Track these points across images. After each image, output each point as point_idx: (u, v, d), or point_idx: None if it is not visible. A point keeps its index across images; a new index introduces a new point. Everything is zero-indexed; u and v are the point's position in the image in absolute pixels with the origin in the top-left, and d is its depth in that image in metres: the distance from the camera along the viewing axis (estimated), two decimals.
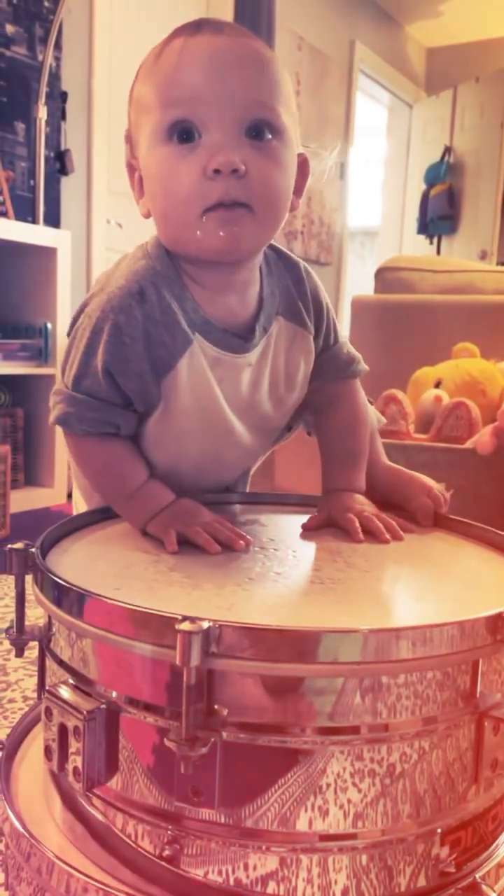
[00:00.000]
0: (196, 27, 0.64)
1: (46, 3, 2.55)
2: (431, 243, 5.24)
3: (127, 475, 0.72)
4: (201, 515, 0.69)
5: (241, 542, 0.66)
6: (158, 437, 0.74)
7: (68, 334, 0.74)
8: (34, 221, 2.36)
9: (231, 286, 0.72)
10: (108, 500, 0.75)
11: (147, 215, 0.72)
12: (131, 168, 0.73)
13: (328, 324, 0.82)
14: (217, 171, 0.61)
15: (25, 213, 2.39)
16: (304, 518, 0.77)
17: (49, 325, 2.18)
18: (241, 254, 0.68)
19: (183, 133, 0.63)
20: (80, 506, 0.88)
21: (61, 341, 2.22)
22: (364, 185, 5.69)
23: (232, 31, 0.65)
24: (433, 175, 5.17)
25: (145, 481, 0.72)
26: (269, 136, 0.64)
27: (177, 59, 0.63)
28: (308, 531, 0.74)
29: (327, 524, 0.75)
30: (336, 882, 0.49)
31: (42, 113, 2.34)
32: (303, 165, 0.72)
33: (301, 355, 0.79)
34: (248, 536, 0.67)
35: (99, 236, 2.97)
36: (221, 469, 0.84)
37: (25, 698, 1.03)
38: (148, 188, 0.68)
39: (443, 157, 5.16)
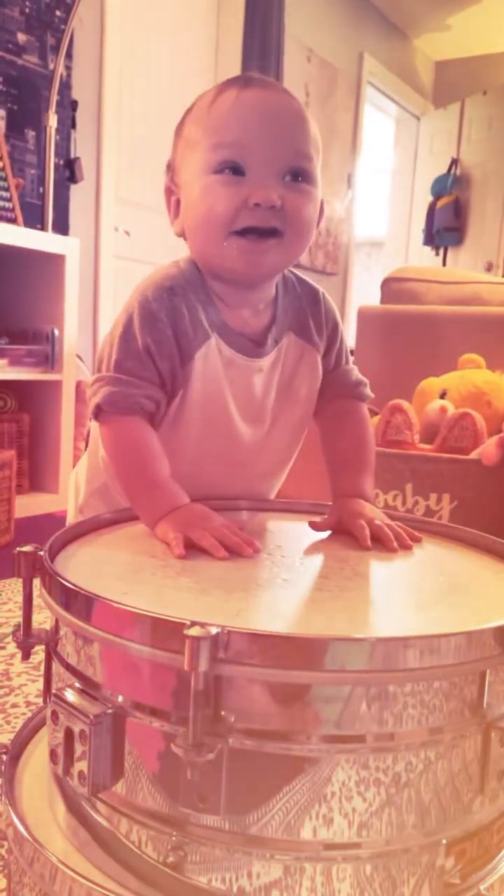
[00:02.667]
0: (246, 82, 0.75)
1: (58, 13, 2.57)
2: (437, 255, 5.26)
3: (151, 464, 0.75)
4: (210, 520, 0.69)
5: (249, 548, 0.66)
6: (177, 424, 0.79)
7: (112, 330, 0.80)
8: (43, 228, 2.37)
9: (247, 301, 0.81)
10: (126, 488, 0.76)
11: (180, 234, 0.82)
12: (170, 192, 0.82)
13: (340, 345, 0.89)
14: (257, 205, 0.72)
15: (34, 220, 2.40)
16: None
17: (56, 332, 2.19)
18: (262, 276, 0.79)
19: (232, 168, 0.73)
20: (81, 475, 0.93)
21: (68, 348, 2.23)
22: (371, 196, 5.71)
23: (277, 88, 0.77)
24: (440, 187, 5.19)
25: (166, 479, 0.74)
26: (301, 180, 0.75)
27: (230, 108, 0.73)
28: (316, 534, 0.75)
29: (336, 528, 0.76)
30: (340, 892, 0.48)
31: (52, 121, 2.36)
32: (321, 208, 0.81)
33: (307, 371, 0.86)
34: (256, 543, 0.68)
35: (107, 244, 2.98)
36: (232, 479, 0.85)
37: (28, 703, 1.03)
38: (187, 209, 0.78)
39: (450, 170, 5.18)
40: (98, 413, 0.76)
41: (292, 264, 0.81)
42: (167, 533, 0.68)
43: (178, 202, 0.81)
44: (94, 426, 0.85)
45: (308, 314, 0.86)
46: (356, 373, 0.91)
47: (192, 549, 0.66)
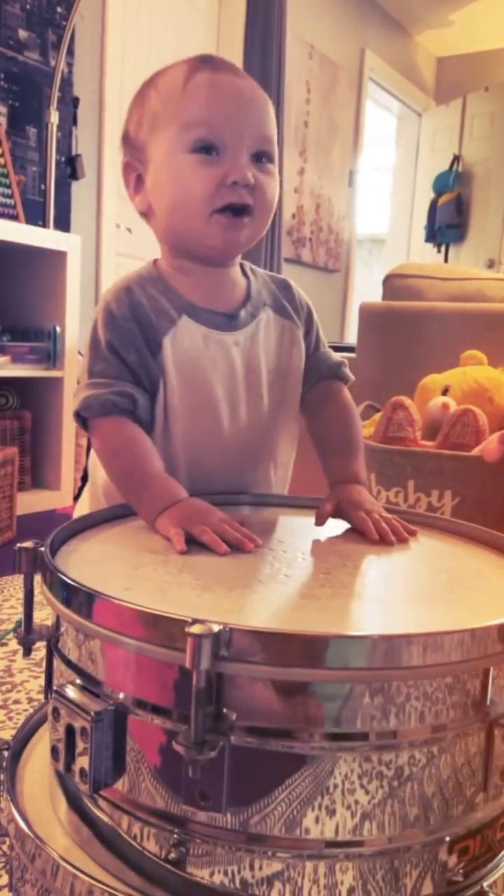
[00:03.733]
0: (214, 65, 0.78)
1: (59, 9, 2.56)
2: (439, 252, 5.25)
3: (141, 460, 0.76)
4: (210, 515, 0.69)
5: (250, 543, 0.66)
6: (161, 416, 0.79)
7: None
8: (45, 225, 2.37)
9: (214, 281, 0.84)
10: (122, 489, 0.77)
11: (144, 212, 0.84)
12: (131, 167, 0.83)
13: (316, 328, 0.92)
14: (235, 183, 0.75)
15: (36, 217, 2.40)
16: (313, 520, 0.77)
17: (58, 329, 2.19)
18: (235, 252, 0.83)
19: (206, 148, 0.76)
20: (83, 510, 0.89)
21: (70, 344, 2.22)
22: (372, 193, 5.70)
23: (242, 72, 0.80)
24: (441, 184, 5.18)
25: (159, 474, 0.75)
26: (266, 160, 0.79)
27: (206, 90, 0.76)
28: (317, 529, 0.75)
29: (336, 515, 0.77)
30: (342, 889, 0.48)
31: (54, 118, 2.36)
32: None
33: (290, 346, 0.87)
34: (256, 538, 0.67)
35: (109, 241, 2.98)
36: (227, 464, 0.84)
37: (30, 700, 1.03)
38: (158, 187, 0.80)
39: (451, 166, 5.17)
40: (80, 421, 0.78)
41: (258, 240, 0.83)
42: (168, 528, 0.68)
43: (139, 178, 0.82)
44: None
45: (282, 297, 0.89)
46: (333, 355, 0.92)
47: (193, 544, 0.66)
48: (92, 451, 0.86)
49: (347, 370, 0.92)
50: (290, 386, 0.88)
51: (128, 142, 0.83)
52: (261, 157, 0.78)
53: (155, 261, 0.86)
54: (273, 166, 0.80)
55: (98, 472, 0.87)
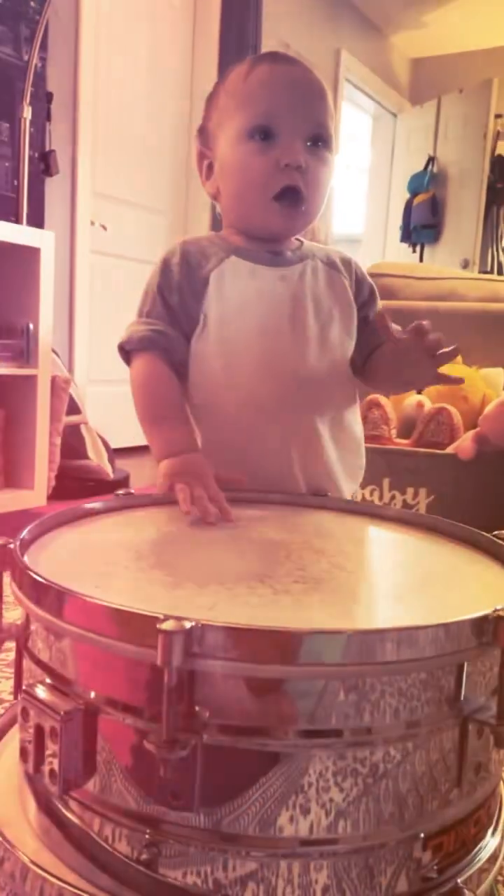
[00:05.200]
0: (275, 57, 0.85)
1: (32, 3, 2.54)
2: (414, 251, 5.28)
3: (163, 398, 0.83)
4: (199, 479, 0.73)
5: (212, 515, 0.69)
6: (210, 354, 0.85)
7: None
8: (18, 221, 2.34)
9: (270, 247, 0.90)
10: (142, 421, 0.84)
11: (214, 195, 0.91)
12: (203, 156, 0.91)
13: (371, 290, 0.96)
14: (287, 165, 0.81)
15: (9, 213, 2.37)
16: (290, 517, 0.76)
17: (31, 326, 2.16)
18: (292, 234, 0.91)
19: (262, 134, 0.82)
20: None
21: (44, 342, 2.20)
22: (348, 193, 5.72)
23: (302, 64, 0.86)
24: (417, 184, 5.21)
25: (176, 417, 0.82)
26: (322, 146, 0.85)
27: (263, 81, 0.83)
28: (298, 525, 0.74)
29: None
30: (316, 888, 0.48)
31: (27, 113, 2.33)
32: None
33: (338, 293, 0.91)
34: (229, 513, 0.70)
35: (83, 238, 2.95)
36: (276, 399, 0.85)
37: (1, 701, 1.01)
38: (223, 173, 0.88)
39: (426, 167, 5.20)
40: (124, 355, 0.86)
41: (312, 222, 0.89)
42: (167, 477, 0.75)
43: (210, 166, 0.90)
44: None
45: (337, 259, 0.94)
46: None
47: (168, 543, 0.65)
48: None
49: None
50: (339, 332, 0.89)
51: (202, 133, 0.91)
52: (316, 142, 0.84)
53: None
54: (329, 153, 0.85)
55: None
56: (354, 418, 0.94)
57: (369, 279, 0.96)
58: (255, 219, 0.87)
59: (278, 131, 0.82)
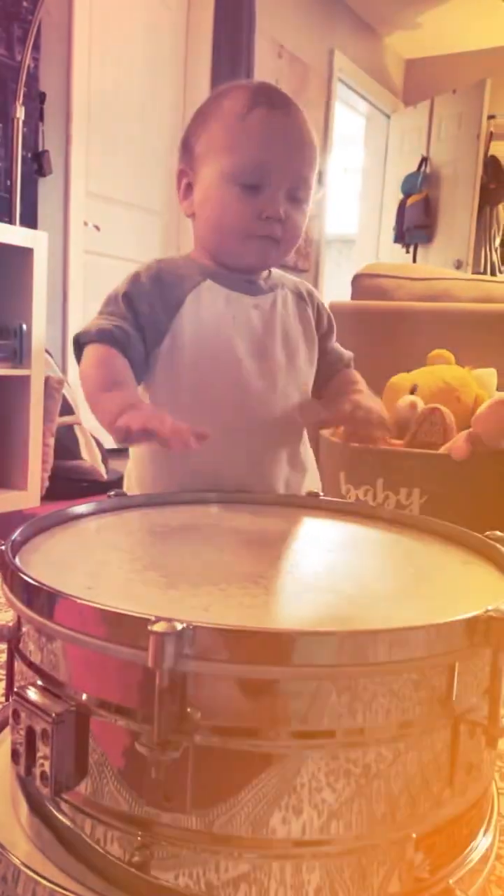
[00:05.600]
0: (272, 103, 0.85)
1: (25, 4, 2.53)
2: (408, 252, 5.29)
3: (117, 368, 0.82)
4: (165, 416, 0.71)
5: (187, 435, 0.68)
6: (170, 372, 0.86)
7: None
8: (11, 222, 2.33)
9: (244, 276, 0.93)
10: (90, 399, 0.81)
11: (190, 215, 0.92)
12: (184, 174, 0.92)
13: (329, 320, 1.01)
14: (268, 217, 0.85)
15: (2, 213, 2.37)
16: (282, 518, 0.76)
17: (24, 327, 2.16)
18: (266, 268, 0.94)
19: (249, 184, 0.84)
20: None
21: (37, 343, 2.19)
22: (342, 194, 5.72)
23: (297, 112, 0.87)
24: (410, 185, 5.22)
25: (124, 383, 0.81)
26: (301, 198, 0.88)
27: (260, 130, 0.84)
28: (290, 528, 0.74)
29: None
30: (309, 889, 0.48)
31: (20, 113, 2.32)
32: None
33: (304, 324, 0.96)
34: (205, 433, 0.70)
35: (76, 238, 2.95)
36: (244, 422, 0.88)
37: None
38: (202, 204, 0.89)
39: (419, 167, 5.20)
40: (76, 347, 0.85)
41: (284, 259, 0.93)
42: (126, 425, 0.71)
43: (189, 186, 0.91)
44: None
45: (301, 289, 0.99)
46: (345, 350, 1.04)
47: (157, 546, 0.65)
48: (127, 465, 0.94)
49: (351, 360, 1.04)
50: (303, 361, 0.94)
51: (186, 149, 0.91)
52: (296, 195, 0.87)
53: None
54: (306, 202, 0.89)
55: (133, 472, 0.94)
56: (307, 448, 0.99)
57: (328, 311, 1.01)
58: (230, 253, 0.89)
59: (264, 183, 0.84)
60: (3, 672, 1.10)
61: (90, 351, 0.84)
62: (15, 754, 0.50)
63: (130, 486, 0.95)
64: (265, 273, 0.95)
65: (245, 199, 0.85)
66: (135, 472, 0.94)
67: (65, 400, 2.37)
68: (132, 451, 0.95)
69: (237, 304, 0.89)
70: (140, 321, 0.85)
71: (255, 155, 0.84)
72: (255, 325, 0.90)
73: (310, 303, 0.98)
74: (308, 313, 0.97)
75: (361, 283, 2.12)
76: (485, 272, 5.05)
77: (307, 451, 0.98)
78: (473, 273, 4.88)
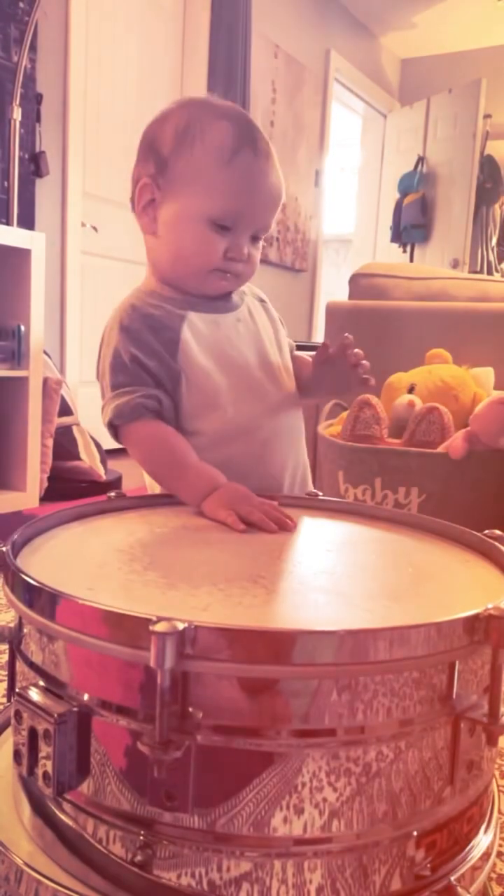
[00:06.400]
0: (256, 150, 0.86)
1: (21, 5, 2.53)
2: (405, 252, 5.29)
3: (178, 452, 0.83)
4: (252, 497, 0.76)
5: (291, 522, 0.73)
6: (196, 407, 0.87)
7: (97, 367, 0.91)
8: (8, 223, 2.33)
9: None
10: (163, 481, 0.86)
11: (150, 234, 0.92)
12: (148, 189, 0.89)
13: (279, 316, 1.05)
14: (232, 259, 0.88)
15: None
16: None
17: (22, 328, 2.16)
18: (222, 296, 0.95)
19: (220, 228, 0.87)
20: None
21: (35, 344, 2.20)
22: (338, 193, 5.73)
23: (274, 162, 0.89)
24: (406, 184, 5.22)
25: (197, 462, 0.83)
26: (261, 239, 0.92)
27: (240, 178, 0.86)
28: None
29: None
30: (310, 888, 0.48)
31: (17, 114, 2.32)
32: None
33: (275, 326, 1.01)
34: (293, 518, 0.74)
35: (73, 239, 2.95)
36: (266, 434, 0.92)
37: None
38: (168, 232, 0.89)
39: (416, 167, 5.21)
40: (114, 431, 0.86)
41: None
42: (216, 511, 0.75)
43: (152, 202, 0.90)
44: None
45: (255, 292, 1.02)
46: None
47: (160, 543, 0.65)
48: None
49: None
50: (283, 355, 0.99)
51: (157, 162, 0.88)
52: (258, 237, 0.91)
53: (144, 282, 0.95)
54: (263, 242, 0.93)
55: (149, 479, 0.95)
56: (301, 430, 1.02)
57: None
58: (189, 282, 0.91)
59: (235, 226, 0.87)
60: (5, 673, 1.10)
61: (136, 430, 0.85)
62: (17, 755, 0.50)
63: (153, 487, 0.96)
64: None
65: (214, 238, 0.87)
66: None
67: (63, 401, 2.37)
68: None
69: (224, 324, 0.92)
70: (154, 374, 0.86)
71: (235, 203, 0.86)
72: (245, 337, 0.93)
73: (267, 304, 1.02)
74: (271, 314, 1.01)
75: (359, 283, 2.12)
76: (481, 271, 5.06)
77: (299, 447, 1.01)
78: (470, 272, 4.89)
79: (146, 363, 0.86)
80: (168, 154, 0.87)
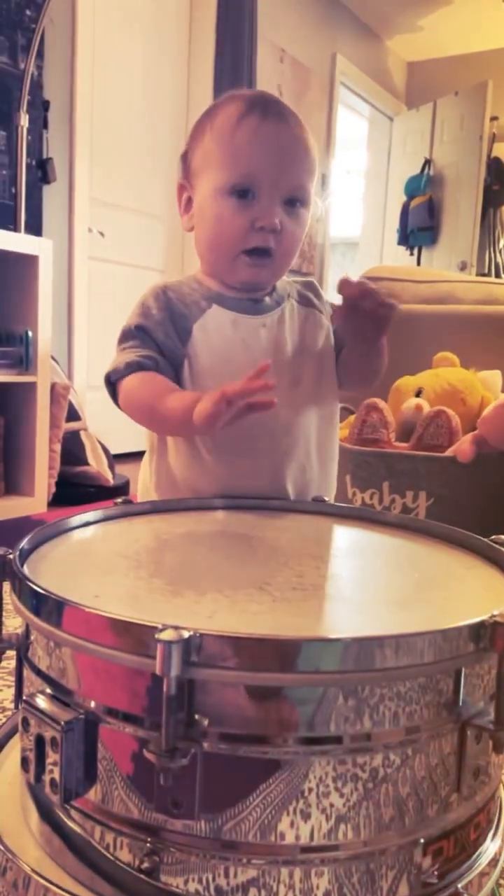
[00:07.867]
0: (264, 111, 0.84)
1: (28, 12, 2.55)
2: (412, 254, 5.29)
3: (159, 383, 0.83)
4: (230, 383, 0.73)
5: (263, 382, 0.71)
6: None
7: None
8: (16, 229, 2.35)
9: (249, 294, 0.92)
10: (155, 418, 0.83)
11: (190, 230, 0.92)
12: (183, 188, 0.92)
13: (329, 303, 0.97)
14: (262, 227, 0.84)
15: (7, 220, 2.38)
16: (287, 523, 0.76)
17: (30, 333, 2.17)
18: (259, 287, 0.91)
19: (240, 193, 0.84)
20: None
21: (43, 349, 2.21)
22: (345, 197, 5.73)
23: (290, 119, 0.85)
24: (413, 187, 5.22)
25: (180, 389, 0.82)
26: (298, 205, 0.87)
27: (249, 139, 0.83)
28: (295, 534, 0.74)
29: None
30: (317, 894, 0.48)
31: (24, 121, 2.34)
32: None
33: (316, 331, 0.94)
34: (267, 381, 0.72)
35: (81, 245, 2.96)
36: (266, 444, 0.87)
37: (2, 709, 1.02)
38: (199, 219, 0.89)
39: (423, 170, 5.21)
40: (109, 385, 0.86)
41: (283, 276, 0.93)
42: (205, 408, 0.72)
43: (189, 200, 0.91)
44: (147, 438, 0.93)
45: (307, 291, 0.97)
46: None
47: (169, 548, 0.65)
48: (141, 469, 0.94)
49: None
50: (320, 367, 0.93)
51: (185, 164, 0.91)
52: (293, 202, 0.86)
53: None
54: (305, 209, 0.87)
55: (141, 475, 0.95)
56: (333, 434, 0.95)
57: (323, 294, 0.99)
58: (223, 270, 0.89)
59: (257, 192, 0.83)
60: (12, 679, 1.10)
61: (127, 383, 0.84)
62: (24, 762, 0.50)
63: (148, 494, 0.94)
64: (270, 287, 0.93)
65: (238, 210, 0.84)
66: (152, 480, 0.94)
67: (71, 406, 2.38)
68: (146, 460, 0.95)
69: (244, 326, 0.89)
70: (162, 350, 0.86)
71: (245, 164, 0.83)
72: (265, 346, 0.89)
73: (317, 300, 0.96)
74: (317, 317, 0.95)
75: None
76: (489, 274, 5.05)
77: (331, 458, 0.95)
78: (478, 275, 4.88)
79: (153, 334, 0.86)
80: (188, 150, 0.90)
